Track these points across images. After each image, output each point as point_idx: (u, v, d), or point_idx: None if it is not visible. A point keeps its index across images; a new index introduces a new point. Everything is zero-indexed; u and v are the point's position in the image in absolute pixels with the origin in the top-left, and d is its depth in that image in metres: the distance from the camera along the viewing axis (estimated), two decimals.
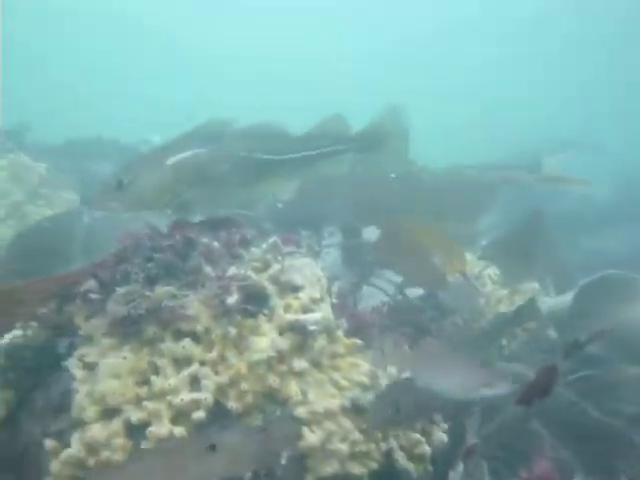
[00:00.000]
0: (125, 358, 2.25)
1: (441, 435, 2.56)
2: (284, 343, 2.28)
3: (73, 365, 2.32)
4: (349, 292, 3.33)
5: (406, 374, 2.37)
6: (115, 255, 2.36)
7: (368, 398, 2.30)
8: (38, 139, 7.00)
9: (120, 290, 2.29)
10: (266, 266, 2.46)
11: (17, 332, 2.56)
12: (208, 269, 2.34)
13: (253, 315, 2.31)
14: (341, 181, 4.67)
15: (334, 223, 4.41)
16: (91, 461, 2.15)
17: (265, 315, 2.33)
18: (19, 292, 2.40)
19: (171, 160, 2.13)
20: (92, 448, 2.16)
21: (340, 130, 2.41)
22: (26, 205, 5.91)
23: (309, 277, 2.47)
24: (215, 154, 2.20)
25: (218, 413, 2.22)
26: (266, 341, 2.27)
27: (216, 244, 2.52)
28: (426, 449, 2.47)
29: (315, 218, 4.33)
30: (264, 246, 2.59)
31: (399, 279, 3.76)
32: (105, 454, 2.14)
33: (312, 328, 2.30)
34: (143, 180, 2.09)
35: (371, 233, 4.19)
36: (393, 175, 5.38)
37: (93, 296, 2.42)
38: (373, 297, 3.62)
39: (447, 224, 4.10)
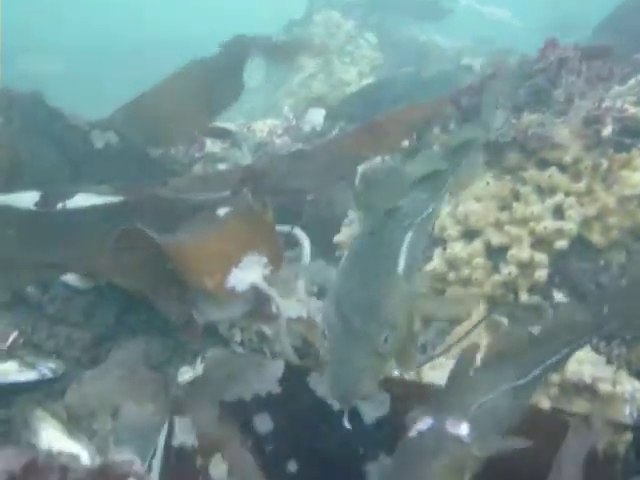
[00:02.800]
0: (488, 183, 2.30)
1: None
2: None
3: None
4: None
5: None
6: (475, 84, 2.37)
7: None
8: None
9: None
10: None
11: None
12: (579, 98, 2.24)
13: (627, 149, 2.17)
14: None
15: None
16: (451, 276, 2.30)
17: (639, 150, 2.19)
18: (384, 124, 2.53)
19: None
20: (453, 264, 2.30)
21: None
22: (334, 62, 6.22)
23: None
24: None
25: (580, 245, 2.20)
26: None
27: (578, 79, 2.39)
28: None
29: None
30: (632, 81, 2.40)
31: None
32: (465, 271, 2.26)
33: None
34: None
35: None
36: None
37: (452, 125, 2.47)
38: None
39: None
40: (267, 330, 2.33)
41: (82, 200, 2.45)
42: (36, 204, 2.40)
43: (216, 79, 3.08)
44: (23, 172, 2.77)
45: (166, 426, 1.64)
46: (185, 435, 1.57)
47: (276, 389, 1.80)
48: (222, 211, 2.26)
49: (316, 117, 3.93)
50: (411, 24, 6.79)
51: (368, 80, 5.79)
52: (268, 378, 1.79)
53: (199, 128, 3.14)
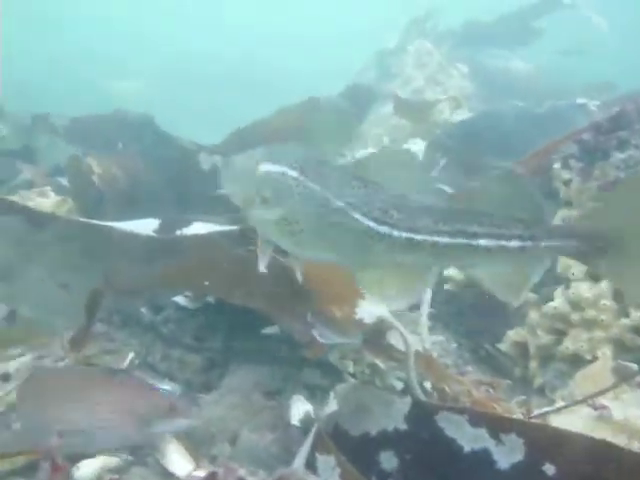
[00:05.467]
0: None
1: None
2: None
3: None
4: None
5: None
6: (609, 120, 2.30)
7: None
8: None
9: (618, 155, 2.24)
10: None
11: None
12: None
13: None
14: None
15: None
16: (575, 317, 2.22)
17: None
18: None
19: None
20: (577, 305, 2.22)
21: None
22: (425, 91, 6.21)
23: None
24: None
25: None
26: None
27: None
28: None
29: None
30: None
31: None
32: (591, 313, 2.18)
33: None
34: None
35: None
36: None
37: (574, 162, 2.41)
38: None
39: None
40: (380, 363, 2.32)
41: (200, 228, 2.50)
42: (156, 231, 2.46)
43: (330, 117, 3.13)
44: (141, 193, 2.85)
45: (301, 459, 1.63)
46: (329, 473, 1.56)
47: (402, 425, 1.77)
48: None
49: (416, 147, 3.92)
50: (502, 53, 6.72)
51: (459, 110, 5.73)
52: (395, 414, 1.76)
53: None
